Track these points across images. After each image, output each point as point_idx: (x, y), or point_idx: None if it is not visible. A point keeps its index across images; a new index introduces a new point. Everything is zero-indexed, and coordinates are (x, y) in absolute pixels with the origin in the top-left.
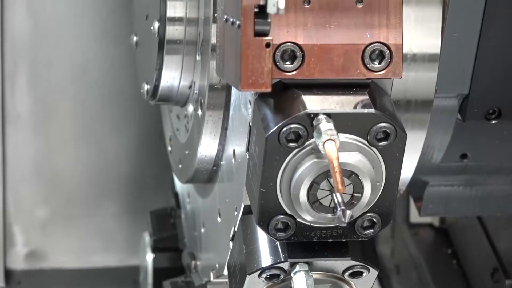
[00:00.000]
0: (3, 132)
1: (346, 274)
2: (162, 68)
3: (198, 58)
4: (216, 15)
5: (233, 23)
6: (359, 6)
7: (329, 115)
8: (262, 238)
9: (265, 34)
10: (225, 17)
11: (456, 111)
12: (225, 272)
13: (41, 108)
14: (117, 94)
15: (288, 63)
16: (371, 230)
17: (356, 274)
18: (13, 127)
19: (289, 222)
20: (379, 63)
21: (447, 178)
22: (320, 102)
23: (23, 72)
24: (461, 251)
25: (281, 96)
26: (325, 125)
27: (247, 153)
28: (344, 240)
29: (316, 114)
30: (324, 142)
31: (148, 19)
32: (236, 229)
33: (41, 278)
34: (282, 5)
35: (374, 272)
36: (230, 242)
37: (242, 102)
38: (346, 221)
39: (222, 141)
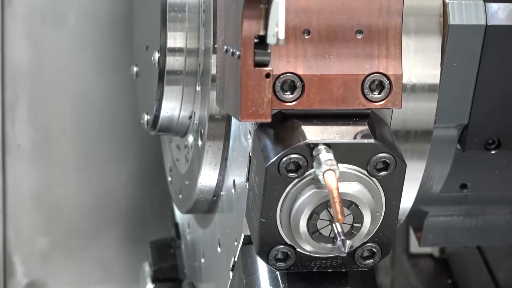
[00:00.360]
0: (3, 162)
1: None
2: (162, 98)
3: (198, 88)
4: (216, 45)
5: (233, 53)
6: (359, 36)
7: (329, 145)
8: (262, 268)
9: (265, 64)
10: (225, 47)
11: (456, 141)
12: None
13: (41, 138)
14: (117, 124)
15: (288, 93)
16: (371, 260)
17: None
18: (13, 157)
19: (289, 252)
20: (379, 93)
21: (446, 208)
22: (320, 133)
23: (23, 102)
24: (461, 281)
25: (281, 127)
26: (325, 155)
27: (247, 183)
28: (344, 270)
29: (316, 144)
30: (324, 172)
31: (149, 50)
32: (236, 259)
33: None
34: (282, 35)
35: None
36: (230, 272)
37: (242, 132)
38: (346, 251)
39: (222, 171)
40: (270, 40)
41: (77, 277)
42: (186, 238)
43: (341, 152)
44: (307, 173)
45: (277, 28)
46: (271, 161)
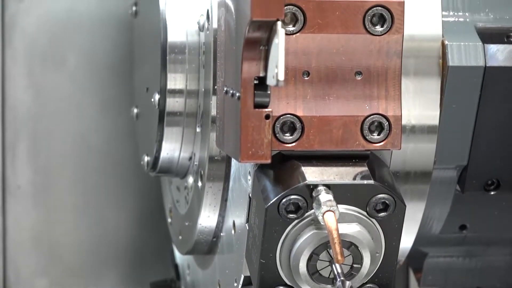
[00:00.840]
0: (4, 203)
1: None
2: (162, 140)
3: (198, 130)
4: (216, 87)
5: (233, 95)
6: (358, 78)
7: (328, 186)
8: None
9: (265, 106)
10: (225, 89)
11: (455, 182)
12: None
13: (41, 179)
14: (117, 165)
15: (287, 134)
16: None
17: None
18: (14, 198)
19: None
20: (378, 134)
21: (446, 249)
22: (320, 174)
23: (23, 143)
24: None
25: (281, 168)
26: (325, 196)
27: (246, 224)
28: None
29: (316, 185)
30: (324, 213)
31: (149, 91)
32: None
33: None
34: (281, 77)
35: None
36: None
37: (242, 173)
38: None
39: (222, 212)
40: (270, 81)
41: None
42: (186, 279)
43: (341, 193)
44: (306, 214)
45: (277, 70)
46: (271, 202)
